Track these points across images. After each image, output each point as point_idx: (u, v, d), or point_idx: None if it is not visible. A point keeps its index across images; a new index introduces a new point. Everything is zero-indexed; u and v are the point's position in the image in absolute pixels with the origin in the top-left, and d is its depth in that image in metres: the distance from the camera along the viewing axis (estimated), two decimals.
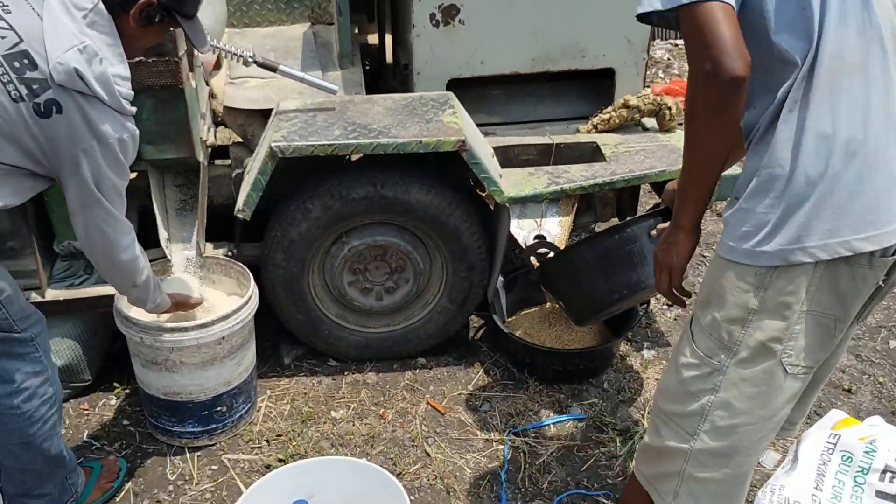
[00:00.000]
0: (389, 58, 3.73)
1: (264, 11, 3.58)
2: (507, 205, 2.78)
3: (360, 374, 3.05)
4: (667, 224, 1.86)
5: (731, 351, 1.65)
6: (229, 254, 2.93)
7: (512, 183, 2.83)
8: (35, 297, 2.68)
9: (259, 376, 3.01)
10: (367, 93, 3.61)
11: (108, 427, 2.77)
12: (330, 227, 2.78)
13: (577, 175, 2.86)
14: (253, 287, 2.65)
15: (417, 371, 3.07)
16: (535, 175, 2.89)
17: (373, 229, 2.85)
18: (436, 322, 3.04)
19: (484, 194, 2.96)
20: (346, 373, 3.05)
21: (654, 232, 2.19)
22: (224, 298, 2.83)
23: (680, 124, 3.12)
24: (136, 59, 2.36)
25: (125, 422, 2.80)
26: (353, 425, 2.80)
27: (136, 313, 2.55)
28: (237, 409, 2.72)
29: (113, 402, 2.89)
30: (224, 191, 3.13)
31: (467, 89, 3.21)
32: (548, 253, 2.85)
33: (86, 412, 2.84)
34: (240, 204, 2.70)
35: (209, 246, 3.00)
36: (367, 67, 3.91)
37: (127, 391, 2.91)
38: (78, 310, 2.73)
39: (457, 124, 2.71)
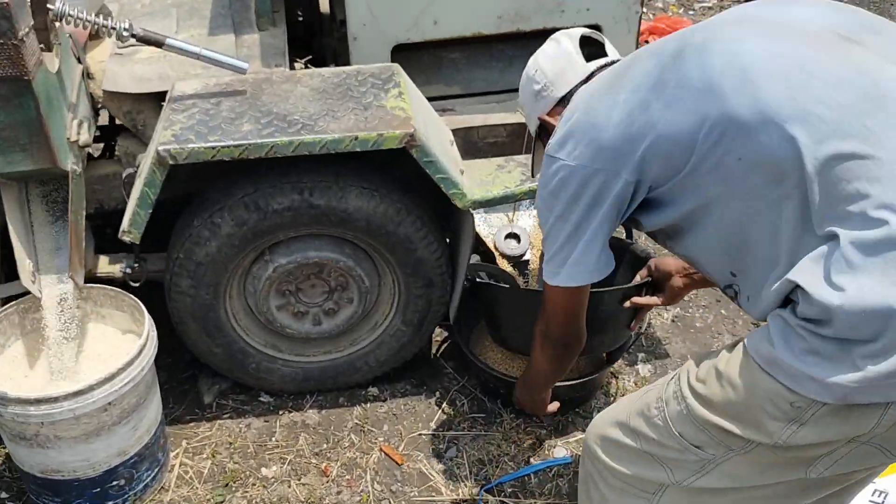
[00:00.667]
0: (326, 5, 3.05)
1: None
2: (470, 209, 2.20)
3: (299, 412, 2.51)
4: (642, 298, 2.09)
5: (733, 450, 1.37)
6: (129, 270, 2.33)
7: (477, 180, 2.24)
8: None
9: (173, 421, 2.45)
10: (299, 54, 2.98)
11: None
12: (247, 245, 2.18)
13: None
14: (148, 329, 2.06)
15: (368, 405, 2.53)
16: (505, 168, 2.29)
17: (304, 243, 2.26)
18: (388, 346, 2.49)
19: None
20: (281, 411, 2.50)
21: (627, 303, 2.09)
22: (117, 338, 2.24)
23: None
24: None
25: (3, 494, 2.24)
26: (289, 486, 2.27)
27: None
28: (139, 478, 2.17)
29: None
30: (115, 193, 2.49)
31: (418, 53, 2.58)
32: (504, 276, 2.31)
33: None
34: (125, 224, 2.08)
35: (103, 260, 2.39)
36: (301, 19, 3.24)
37: (6, 450, 2.34)
38: None
39: (404, 111, 2.09)
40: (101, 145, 2.78)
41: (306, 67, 3.23)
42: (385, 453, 2.37)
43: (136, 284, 2.34)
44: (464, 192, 2.14)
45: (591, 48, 1.64)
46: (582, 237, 1.47)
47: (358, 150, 2.02)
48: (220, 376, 2.53)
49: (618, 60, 1.61)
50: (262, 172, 2.12)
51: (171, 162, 1.96)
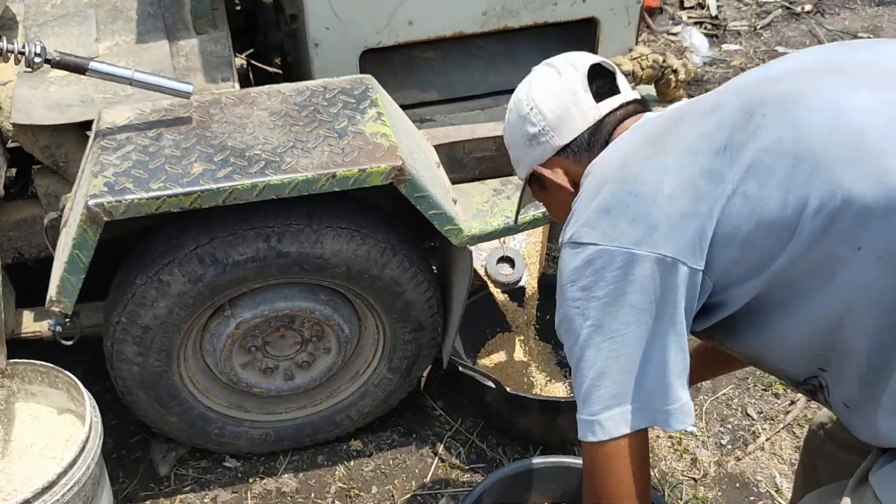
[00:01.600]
0: None
1: None
2: (467, 246, 1.89)
3: (272, 477, 2.18)
4: None
5: None
6: (59, 328, 1.95)
7: (473, 210, 1.93)
8: None
9: (126, 499, 2.10)
10: (238, 47, 2.56)
11: None
12: (203, 303, 1.83)
13: None
14: (90, 418, 1.70)
15: (352, 463, 2.22)
16: (502, 193, 1.98)
17: (271, 293, 1.91)
18: (373, 396, 2.17)
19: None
20: (251, 478, 2.17)
21: None
22: (52, 420, 1.87)
23: (690, 94, 2.25)
24: None
25: None
26: None
27: None
28: None
29: None
30: (36, 239, 2.09)
31: (387, 53, 2.23)
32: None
33: None
34: (52, 292, 1.70)
35: (27, 317, 2.02)
36: (238, 8, 2.82)
37: None
38: None
39: (387, 137, 1.75)
40: (14, 174, 2.36)
41: (247, 66, 2.84)
42: None
43: (69, 343, 1.97)
44: (460, 227, 1.82)
45: (598, 81, 1.27)
46: (640, 349, 1.06)
47: (336, 189, 1.68)
48: (175, 442, 2.19)
49: (635, 100, 1.28)
50: (217, 218, 1.76)
51: (105, 219, 1.58)
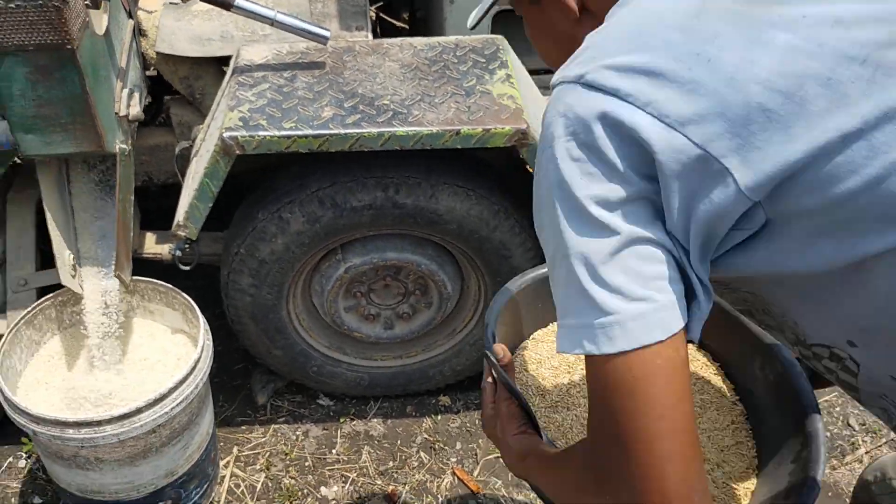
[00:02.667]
0: None
1: None
2: None
3: (362, 420, 2.25)
4: None
5: None
6: (179, 252, 2.04)
7: None
8: None
9: (223, 422, 2.21)
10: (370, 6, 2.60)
11: None
12: (318, 243, 1.88)
13: None
14: (203, 340, 1.78)
15: (439, 418, 2.26)
16: None
17: (382, 242, 1.95)
18: (467, 355, 2.20)
19: None
20: (341, 418, 2.24)
21: None
22: (166, 338, 1.98)
23: None
24: None
25: (36, 500, 2.02)
26: None
27: (25, 396, 1.72)
28: (188, 497, 1.94)
29: (21, 464, 2.10)
30: (166, 166, 2.20)
31: (518, 19, 2.19)
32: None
33: None
34: (180, 217, 1.79)
35: (150, 239, 2.12)
36: None
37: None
38: None
39: (514, 100, 1.74)
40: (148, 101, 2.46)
41: (376, 18, 2.87)
42: (459, 478, 2.11)
43: (187, 268, 2.06)
44: None
45: None
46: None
47: (458, 146, 1.69)
48: (274, 374, 2.28)
49: None
50: (340, 164, 1.80)
51: (237, 152, 1.65)
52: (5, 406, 1.66)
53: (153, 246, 2.13)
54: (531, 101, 1.83)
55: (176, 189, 2.24)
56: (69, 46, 1.49)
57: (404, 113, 1.69)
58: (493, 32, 2.06)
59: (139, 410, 1.65)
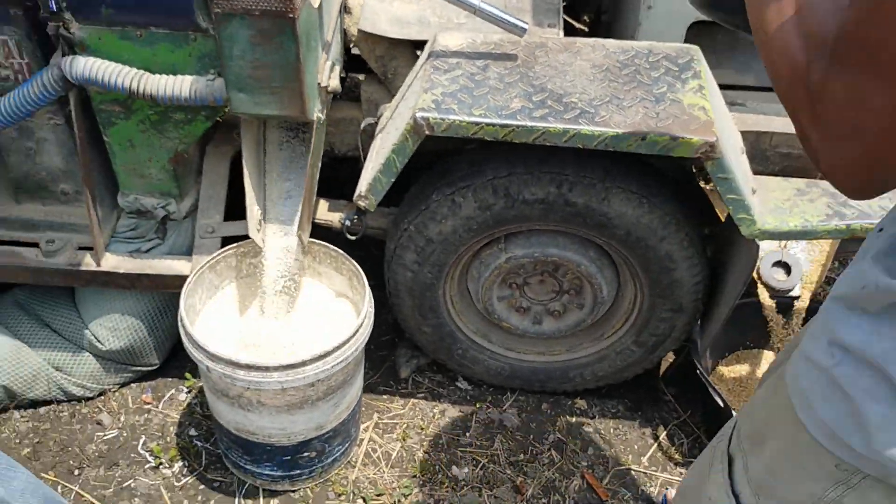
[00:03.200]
0: None
1: None
2: (756, 240, 1.82)
3: (498, 409, 2.28)
4: None
5: None
6: (349, 222, 2.15)
7: (770, 205, 1.84)
8: (89, 263, 2.02)
9: (367, 388, 2.30)
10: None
11: (169, 437, 2.16)
12: (485, 230, 1.92)
13: (877, 206, 1.83)
14: (367, 308, 1.87)
15: (574, 420, 2.26)
16: (806, 195, 1.88)
17: (545, 238, 1.97)
18: (610, 362, 2.19)
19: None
20: (478, 404, 2.29)
21: None
22: (330, 300, 2.08)
23: None
24: None
25: (192, 432, 2.19)
26: (480, 495, 2.07)
27: (203, 334, 1.86)
28: (330, 452, 2.04)
29: (182, 397, 2.27)
30: (349, 138, 2.31)
31: (712, 30, 2.16)
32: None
33: (147, 406, 2.24)
34: (362, 188, 1.88)
35: (323, 206, 2.23)
36: None
37: (200, 385, 2.28)
38: (143, 286, 2.06)
39: (704, 111, 1.72)
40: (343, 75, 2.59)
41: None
42: (588, 482, 2.11)
43: (354, 238, 2.16)
44: (754, 218, 1.76)
45: None
46: None
47: (641, 152, 1.68)
48: (419, 351, 2.35)
49: None
50: (518, 155, 1.83)
51: (426, 132, 1.71)
52: (185, 340, 1.80)
53: (325, 213, 2.23)
54: (721, 115, 1.79)
55: (350, 162, 2.36)
56: (291, 15, 1.59)
57: (591, 112, 1.70)
58: (686, 42, 2.03)
59: (304, 363, 1.75)
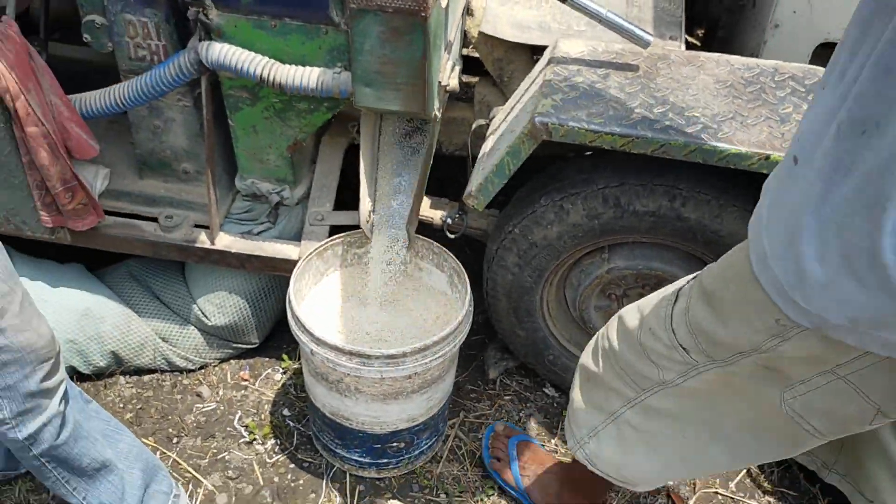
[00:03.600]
0: None
1: None
2: None
3: None
4: None
5: (715, 362, 1.32)
6: (450, 220, 2.18)
7: None
8: (203, 241, 2.11)
9: (455, 386, 2.32)
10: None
11: (264, 415, 2.24)
12: (590, 238, 1.92)
13: None
14: (468, 307, 1.89)
15: None
16: None
17: (649, 251, 1.96)
18: None
19: None
20: (564, 411, 2.29)
21: None
22: (429, 295, 2.12)
23: None
24: None
25: (285, 412, 2.25)
26: None
27: (313, 317, 1.92)
28: (418, 444, 2.07)
29: (277, 377, 2.34)
30: (457, 138, 2.34)
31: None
32: None
33: (244, 383, 2.32)
34: (472, 187, 1.90)
35: (425, 202, 2.27)
36: None
37: (296, 367, 2.35)
38: (252, 267, 2.13)
39: None
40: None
41: None
42: (673, 501, 2.08)
43: (453, 236, 2.19)
44: None
45: None
46: None
47: (764, 171, 1.66)
48: (509, 353, 2.36)
49: None
50: (631, 165, 1.83)
51: (544, 137, 1.72)
52: (292, 322, 1.86)
53: (427, 210, 2.26)
54: None
55: (454, 161, 2.39)
56: (423, 14, 1.63)
57: (714, 128, 1.69)
58: (812, 63, 1.99)
59: (404, 355, 1.79)
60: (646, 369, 1.45)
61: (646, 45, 1.79)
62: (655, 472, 1.60)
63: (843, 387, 1.16)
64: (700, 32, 2.96)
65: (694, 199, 1.79)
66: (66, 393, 1.55)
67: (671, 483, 2.12)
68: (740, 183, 1.80)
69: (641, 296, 2.07)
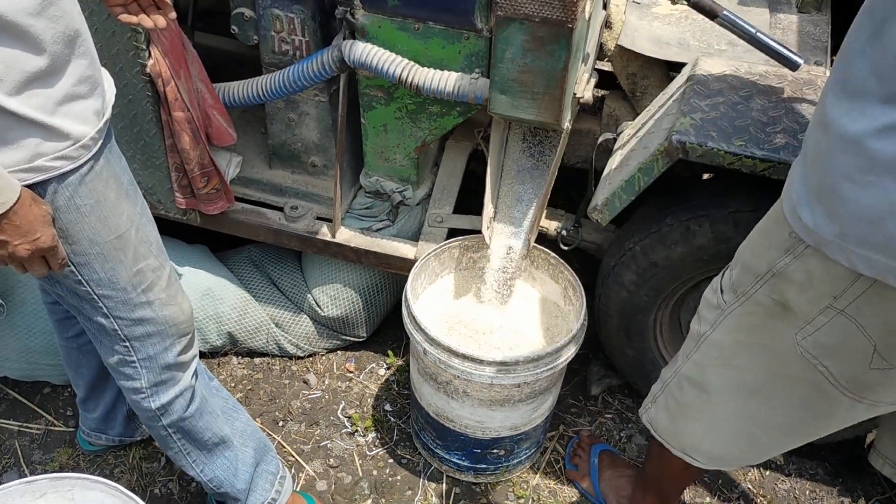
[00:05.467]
0: None
1: None
2: None
3: None
4: None
5: (739, 299, 1.42)
6: (564, 232, 2.16)
7: None
8: (324, 233, 2.16)
9: (557, 399, 2.31)
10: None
11: (366, 407, 2.27)
12: (714, 262, 1.87)
13: None
14: (583, 320, 1.88)
15: (768, 473, 2.16)
16: None
17: None
18: None
19: None
20: None
21: None
22: (540, 305, 2.11)
23: None
24: None
25: (387, 407, 2.28)
26: None
27: (426, 317, 1.94)
28: (517, 454, 2.07)
29: (381, 372, 2.37)
30: (581, 151, 2.32)
31: None
32: None
33: (349, 375, 2.36)
34: (598, 201, 1.88)
35: None
36: None
37: (400, 363, 2.38)
38: (369, 262, 2.18)
39: None
40: None
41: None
42: None
43: (567, 248, 2.18)
44: None
45: None
46: None
47: None
48: (612, 371, 2.33)
49: None
50: (766, 191, 1.77)
51: (679, 156, 1.69)
52: (407, 320, 1.88)
53: (542, 220, 2.26)
54: None
55: (573, 173, 2.38)
56: (569, 25, 1.63)
57: None
58: None
59: (516, 363, 1.79)
60: (693, 326, 1.56)
61: (795, 67, 1.74)
62: (708, 442, 1.62)
63: (844, 321, 1.25)
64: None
65: None
66: (197, 368, 1.61)
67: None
68: None
69: None
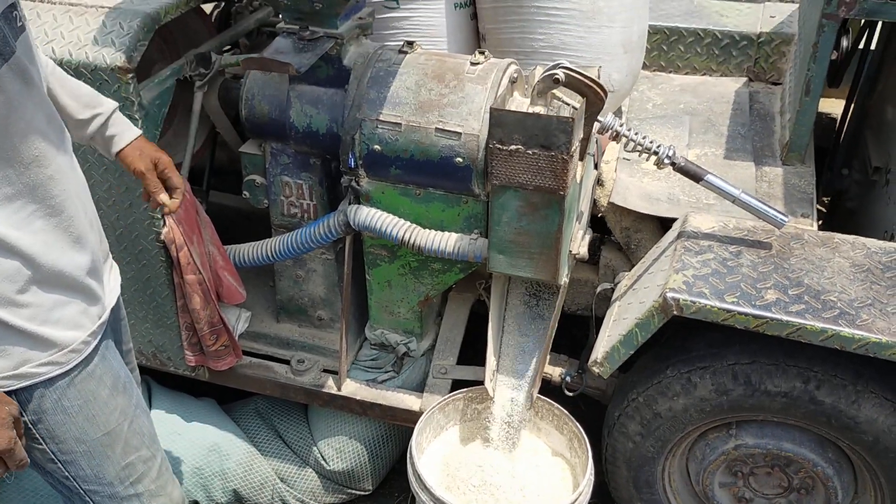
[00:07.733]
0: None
1: (689, 55, 2.70)
2: None
3: None
4: None
5: None
6: (568, 378, 2.18)
7: None
8: (330, 385, 2.19)
9: None
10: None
11: None
12: (717, 414, 1.89)
13: None
14: (588, 477, 1.87)
15: None
16: None
17: (780, 430, 1.90)
18: None
19: None
20: None
21: None
22: (546, 457, 2.10)
23: None
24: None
25: None
26: None
27: (431, 474, 1.94)
28: None
29: None
30: (580, 298, 2.38)
31: None
32: None
33: None
34: (598, 355, 1.92)
35: None
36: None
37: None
38: (374, 415, 2.19)
39: None
40: None
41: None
42: None
43: (571, 395, 2.19)
44: None
45: None
46: None
47: None
48: None
49: None
50: (763, 343, 1.81)
51: (674, 312, 1.74)
52: (412, 478, 1.88)
53: (545, 366, 2.29)
54: None
55: (573, 319, 2.42)
56: (561, 192, 1.72)
57: (852, 314, 1.66)
58: None
59: None
60: None
61: (780, 226, 1.81)
62: None
63: None
64: (826, 199, 2.95)
65: (829, 382, 1.75)
66: None
67: None
68: (877, 368, 1.74)
69: (769, 476, 2.00)
